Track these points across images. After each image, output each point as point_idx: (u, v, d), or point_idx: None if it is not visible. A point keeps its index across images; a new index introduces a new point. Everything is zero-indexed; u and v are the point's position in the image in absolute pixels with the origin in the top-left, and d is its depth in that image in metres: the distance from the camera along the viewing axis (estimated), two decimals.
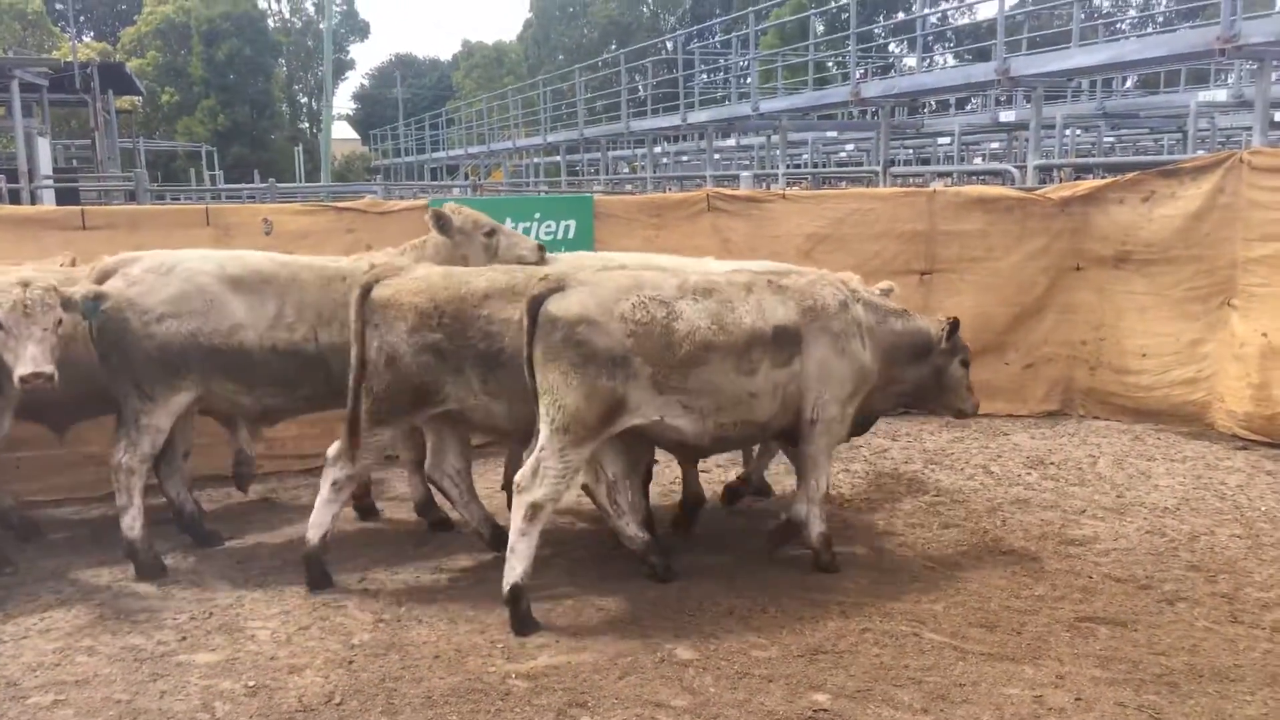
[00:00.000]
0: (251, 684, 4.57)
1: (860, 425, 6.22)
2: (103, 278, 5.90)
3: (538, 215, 8.72)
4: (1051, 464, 7.89)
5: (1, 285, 5.39)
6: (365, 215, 8.25)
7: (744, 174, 12.28)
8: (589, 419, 5.12)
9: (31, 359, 5.32)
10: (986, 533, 6.45)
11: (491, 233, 6.64)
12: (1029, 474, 7.69)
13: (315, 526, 5.64)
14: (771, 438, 6.13)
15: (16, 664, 4.77)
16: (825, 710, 4.29)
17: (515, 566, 5.09)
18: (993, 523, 6.63)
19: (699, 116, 20.60)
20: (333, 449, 5.64)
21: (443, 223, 6.58)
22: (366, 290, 5.51)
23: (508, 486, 6.30)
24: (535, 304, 5.18)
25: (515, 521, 5.11)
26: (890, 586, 5.59)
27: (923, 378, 6.14)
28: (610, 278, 5.37)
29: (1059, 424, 9.11)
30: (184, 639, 5.06)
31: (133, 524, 5.83)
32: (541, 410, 5.16)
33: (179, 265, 5.95)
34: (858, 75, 17.38)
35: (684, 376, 5.23)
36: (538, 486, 5.10)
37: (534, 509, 5.08)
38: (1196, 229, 8.62)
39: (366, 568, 5.94)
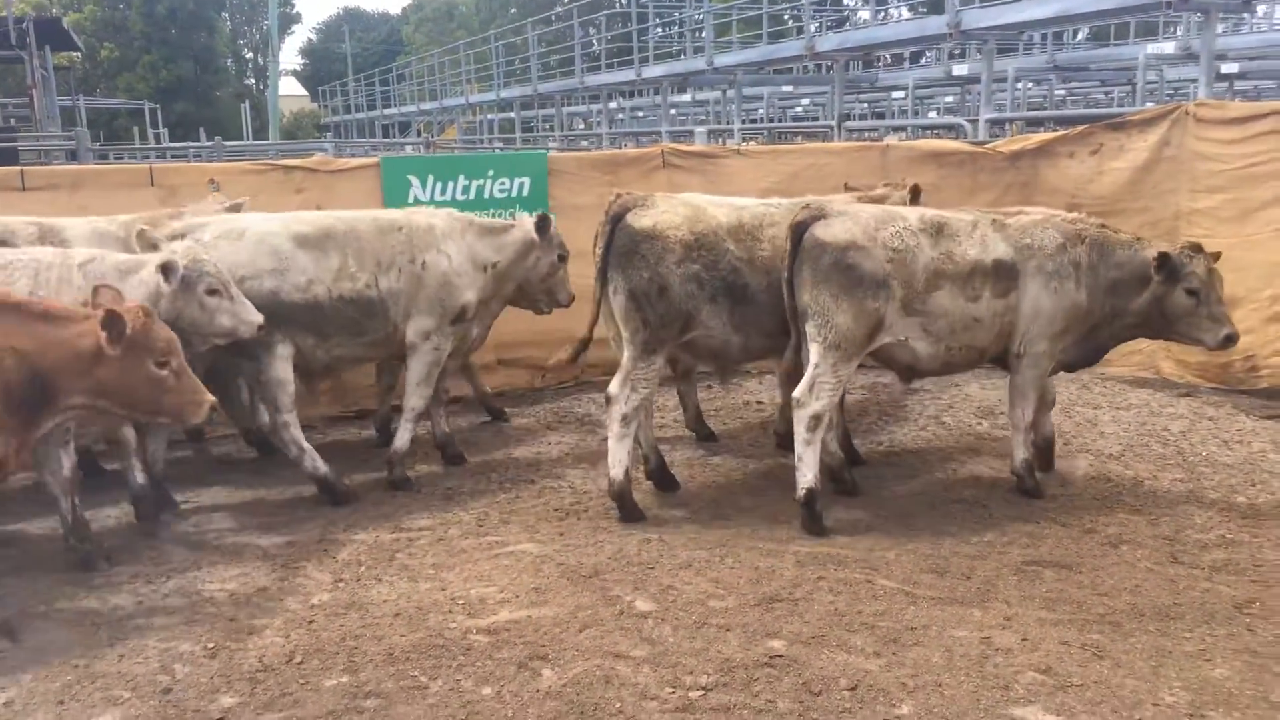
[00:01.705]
0: (211, 645, 4.57)
1: (1091, 356, 6.44)
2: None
3: (491, 173, 8.63)
4: (1002, 414, 8.00)
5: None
6: (315, 174, 8.13)
7: (698, 129, 12.23)
8: (857, 336, 5.69)
9: (253, 310, 5.74)
10: (939, 482, 6.59)
11: None
12: (980, 424, 7.84)
13: (616, 464, 5.91)
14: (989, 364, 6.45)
15: None
16: (781, 656, 4.39)
17: (806, 473, 5.68)
18: (945, 472, 6.76)
19: (653, 71, 20.43)
20: (614, 385, 5.92)
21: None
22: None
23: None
24: (800, 230, 5.67)
25: (799, 432, 5.70)
26: (844, 536, 5.70)
27: (1145, 309, 6.10)
28: (863, 208, 5.96)
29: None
30: (140, 603, 5.04)
31: (314, 464, 6.29)
32: (811, 330, 5.70)
33: (250, 228, 6.23)
34: (813, 29, 17.31)
35: (925, 300, 5.76)
36: (815, 400, 5.68)
37: (815, 420, 5.68)
38: (1144, 181, 8.76)
39: (325, 528, 5.93)
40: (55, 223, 6.39)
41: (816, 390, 5.70)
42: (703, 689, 4.15)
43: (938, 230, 5.87)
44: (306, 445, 6.30)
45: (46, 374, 4.62)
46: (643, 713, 3.99)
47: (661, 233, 5.85)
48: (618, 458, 5.91)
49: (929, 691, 4.11)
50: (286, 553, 5.61)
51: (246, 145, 26.73)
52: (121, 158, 19.81)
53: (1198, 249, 6.05)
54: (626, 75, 21.90)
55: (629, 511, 5.93)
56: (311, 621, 4.79)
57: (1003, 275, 5.89)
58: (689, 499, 6.35)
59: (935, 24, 12.84)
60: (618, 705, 4.04)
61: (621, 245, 5.87)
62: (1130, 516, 5.91)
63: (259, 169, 8.21)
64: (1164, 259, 5.93)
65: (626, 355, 5.95)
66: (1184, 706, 3.98)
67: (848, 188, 7.76)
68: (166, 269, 5.49)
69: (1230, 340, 6.07)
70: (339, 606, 4.94)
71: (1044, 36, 20.19)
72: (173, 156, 20.60)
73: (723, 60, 17.98)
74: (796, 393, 5.75)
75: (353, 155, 15.33)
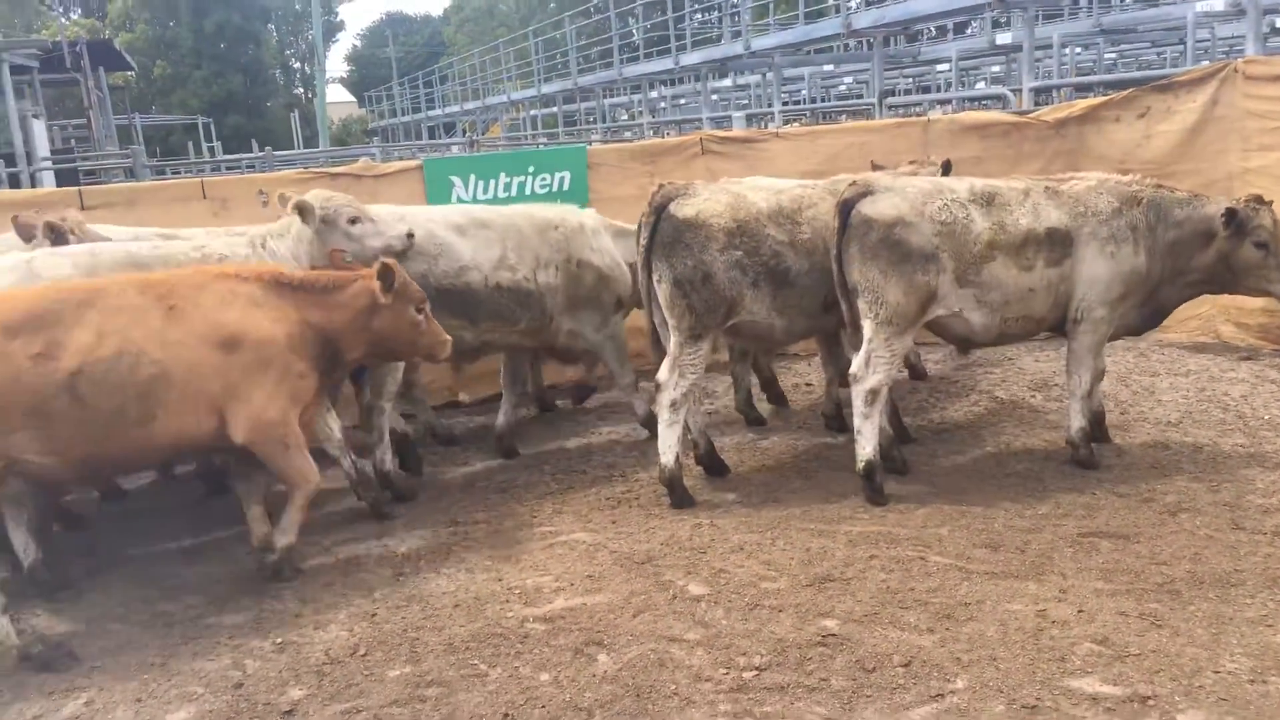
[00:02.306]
0: (279, 641, 4.72)
1: (1153, 318, 6.42)
2: None
3: (531, 169, 8.72)
4: (1054, 386, 7.93)
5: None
6: (360, 180, 8.27)
7: (737, 114, 12.20)
8: (909, 311, 5.74)
9: (398, 224, 6.35)
10: (991, 456, 6.54)
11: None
12: (1033, 397, 7.76)
13: (666, 450, 5.98)
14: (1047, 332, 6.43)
15: (52, 636, 4.93)
16: (834, 635, 4.42)
17: (865, 446, 5.78)
18: (997, 446, 6.71)
19: (691, 58, 20.38)
20: (662, 372, 6.01)
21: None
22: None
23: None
24: (847, 207, 5.73)
25: (858, 406, 5.78)
26: (896, 514, 5.69)
27: (1210, 265, 6.06)
28: (910, 182, 5.95)
29: (1061, 346, 9.08)
30: (212, 602, 5.22)
31: (383, 456, 6.48)
32: (863, 306, 5.76)
33: (408, 215, 6.64)
34: (850, 6, 17.12)
35: (978, 272, 5.76)
36: (872, 374, 5.74)
37: (872, 394, 5.75)
38: (1194, 143, 8.57)
39: (384, 525, 6.07)
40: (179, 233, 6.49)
41: (873, 365, 5.75)
42: (756, 669, 4.20)
43: (988, 200, 5.86)
44: (387, 439, 6.52)
45: (335, 337, 5.32)
46: (697, 694, 4.05)
47: (704, 221, 5.90)
48: (668, 444, 5.97)
49: (984, 665, 4.11)
50: (348, 549, 5.75)
51: (296, 154, 27.20)
52: (178, 172, 20.26)
53: (1261, 201, 5.94)
54: (665, 64, 21.87)
55: (680, 497, 5.99)
56: (374, 615, 4.92)
57: (1057, 243, 5.86)
58: (739, 483, 6.38)
59: None
60: (672, 687, 4.11)
61: (665, 235, 5.92)
62: (1189, 484, 5.82)
63: (305, 177, 8.35)
64: (1231, 213, 5.84)
65: (673, 342, 6.01)
66: (1245, 673, 3.93)
67: (874, 166, 7.73)
68: (301, 210, 6.03)
69: None
70: (400, 600, 5.07)
71: (1090, 1, 19.76)
72: (226, 169, 21.06)
73: (760, 44, 17.89)
74: (853, 368, 5.80)
75: (399, 158, 15.51)
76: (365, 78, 67.12)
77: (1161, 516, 5.43)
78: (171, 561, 5.77)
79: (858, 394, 5.77)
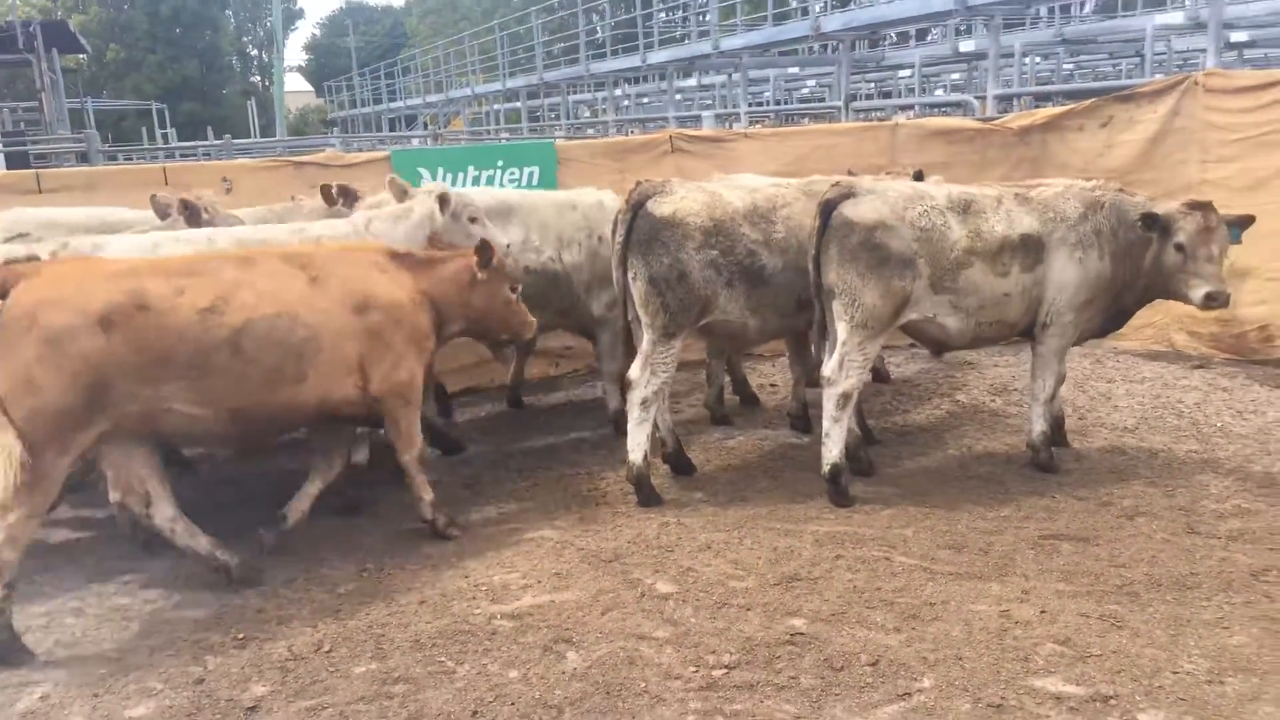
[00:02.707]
0: (240, 636, 4.65)
1: (1115, 321, 6.47)
2: None
3: (500, 163, 8.68)
4: (1015, 390, 8.06)
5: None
6: (327, 169, 8.19)
7: (706, 114, 12.23)
8: (884, 315, 5.76)
9: (500, 234, 6.57)
10: (954, 459, 6.62)
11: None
12: (994, 401, 7.86)
13: (635, 448, 5.97)
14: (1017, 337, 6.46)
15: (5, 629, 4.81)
16: (802, 634, 4.44)
17: (832, 449, 5.81)
18: (959, 449, 6.80)
19: (659, 57, 20.39)
20: (634, 370, 6.01)
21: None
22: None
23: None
24: (828, 208, 5.73)
25: (829, 409, 5.80)
26: (862, 514, 5.74)
27: (1149, 267, 6.07)
28: (891, 186, 5.96)
29: (1021, 352, 9.21)
30: (170, 596, 5.13)
31: None
32: (838, 308, 5.77)
33: None
34: (817, 9, 17.22)
35: (955, 278, 5.80)
36: (845, 378, 5.77)
37: (844, 398, 5.79)
38: (1154, 153, 8.75)
39: (347, 519, 6.00)
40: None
41: (845, 368, 5.79)
42: (726, 667, 4.21)
43: (965, 208, 5.91)
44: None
45: (441, 310, 5.66)
46: (667, 692, 4.05)
47: (682, 220, 5.90)
48: (636, 442, 5.97)
49: (949, 665, 4.16)
50: (310, 544, 5.67)
51: (254, 142, 26.83)
52: (130, 159, 19.86)
53: (1198, 206, 5.95)
54: (632, 61, 21.85)
55: (647, 496, 5.99)
56: (338, 611, 4.86)
57: (1030, 249, 5.94)
58: (706, 482, 6.39)
59: (941, 1, 12.78)
60: (642, 685, 4.11)
61: (642, 232, 5.91)
62: (1146, 489, 5.93)
63: (272, 165, 8.28)
64: (1147, 216, 5.91)
65: (646, 340, 6.00)
66: (1203, 674, 4.01)
67: (851, 175, 7.77)
68: (442, 199, 6.27)
69: (1211, 299, 5.85)
70: (365, 596, 5.01)
71: (1050, 10, 20.06)
72: (181, 156, 20.69)
73: (728, 44, 17.95)
74: (825, 371, 5.83)
75: (359, 149, 15.34)
76: (323, 67, 66.34)
77: (1119, 520, 5.53)
78: (127, 555, 5.66)
79: (829, 397, 5.80)
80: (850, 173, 7.65)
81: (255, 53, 64.66)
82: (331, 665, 4.38)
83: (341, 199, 6.78)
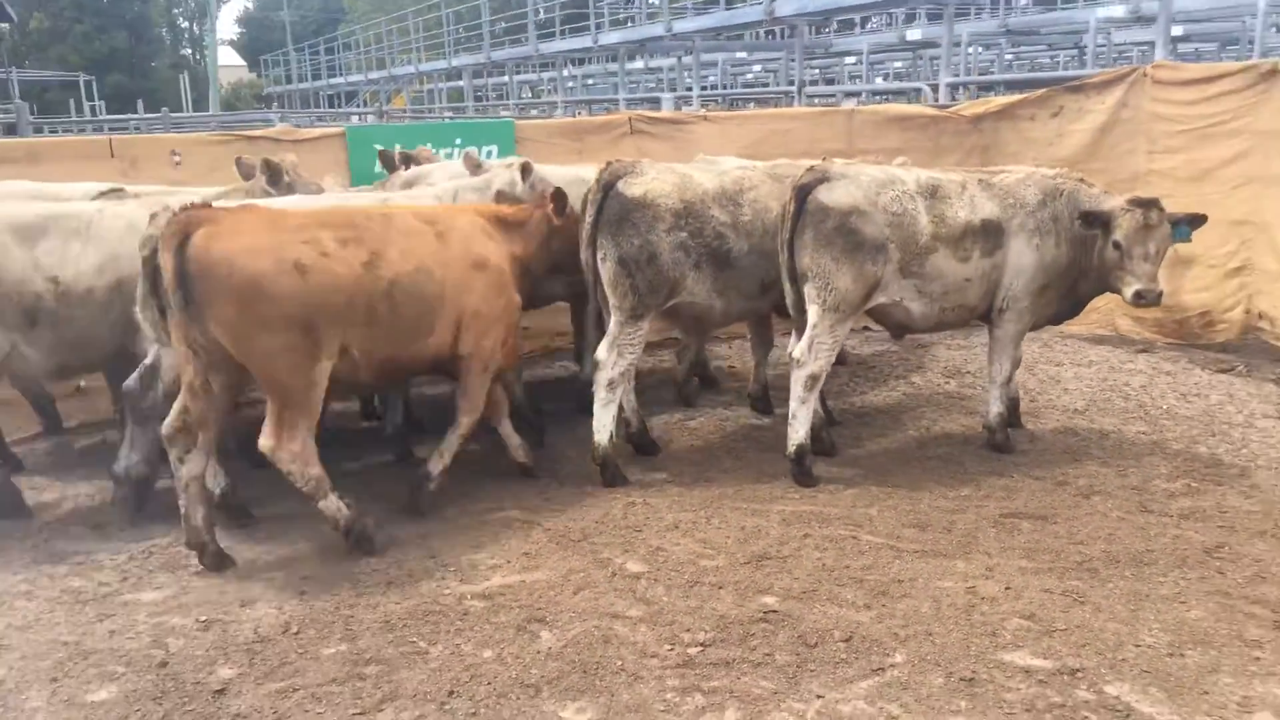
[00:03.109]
0: (204, 619, 4.55)
1: (1073, 309, 6.57)
2: None
3: (458, 141, 8.56)
4: (968, 373, 8.20)
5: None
6: (280, 144, 7.97)
7: (665, 95, 12.20)
8: (855, 299, 5.80)
9: None
10: (913, 440, 6.71)
11: None
12: (948, 383, 7.99)
13: (600, 429, 5.96)
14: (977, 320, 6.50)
15: None
16: (775, 611, 4.47)
17: (798, 429, 5.86)
18: (918, 430, 6.89)
19: (610, 38, 20.27)
20: (601, 350, 5.99)
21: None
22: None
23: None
24: (803, 193, 5.74)
25: (796, 391, 5.84)
26: (826, 494, 5.79)
27: (1096, 261, 6.13)
28: (864, 171, 5.97)
29: (972, 335, 9.39)
30: (125, 579, 4.99)
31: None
32: (811, 291, 5.79)
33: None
34: None
35: (921, 263, 5.87)
36: (814, 360, 5.81)
37: (812, 379, 5.84)
38: (1103, 143, 8.93)
39: (304, 501, 5.86)
40: None
41: (815, 350, 5.82)
42: (701, 645, 4.22)
43: (932, 193, 5.97)
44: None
45: (528, 263, 5.98)
46: (644, 670, 4.05)
47: (652, 201, 5.87)
48: (602, 422, 5.95)
49: (920, 640, 4.22)
50: (269, 526, 5.57)
51: (188, 117, 26.13)
52: (55, 131, 19.18)
53: (1142, 203, 5.98)
54: (583, 42, 21.69)
55: (612, 476, 5.98)
56: (303, 592, 4.78)
57: (991, 234, 6.02)
58: (670, 462, 6.40)
59: None
60: (619, 663, 4.10)
61: (613, 213, 5.87)
62: (1099, 469, 6.08)
63: (222, 139, 8.05)
64: (1086, 215, 6.01)
65: (613, 321, 5.97)
66: (1164, 647, 4.13)
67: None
68: (525, 169, 6.62)
69: (1140, 297, 5.93)
70: (329, 576, 4.93)
71: (993, 1, 20.37)
72: (111, 129, 20.07)
73: (680, 26, 17.90)
74: (795, 352, 5.87)
75: (297, 125, 14.97)
76: (256, 41, 64.73)
77: (1076, 499, 5.66)
78: (76, 537, 5.49)
79: (798, 379, 5.84)
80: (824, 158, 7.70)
81: (186, 25, 62.95)
82: (300, 647, 4.30)
83: (267, 174, 6.61)
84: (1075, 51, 22.74)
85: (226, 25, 75.11)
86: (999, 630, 4.28)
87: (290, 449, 4.94)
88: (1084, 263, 6.21)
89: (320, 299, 4.88)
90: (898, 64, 27.30)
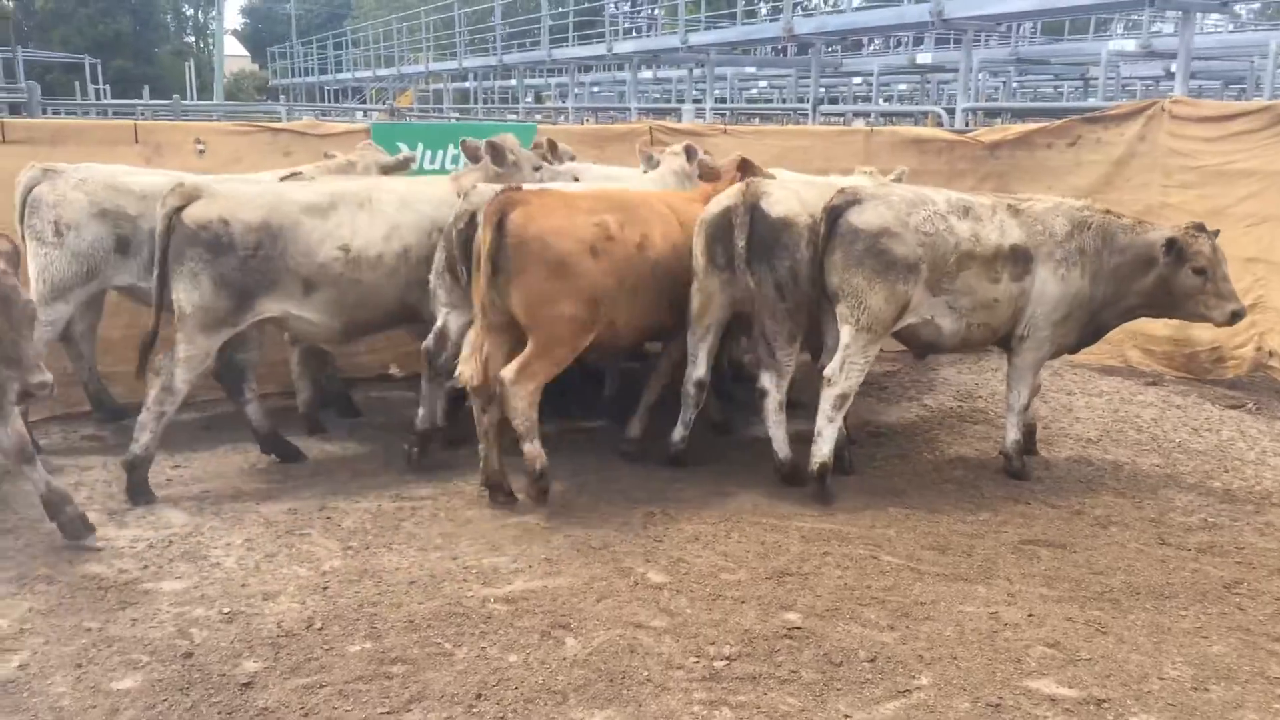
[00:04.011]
0: (227, 610, 4.53)
1: (1091, 338, 6.60)
2: None
3: None
4: (980, 397, 8.23)
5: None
6: (304, 138, 7.99)
7: (686, 106, 12.23)
8: (887, 319, 5.87)
9: None
10: (928, 462, 6.74)
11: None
12: (960, 405, 8.02)
13: (782, 444, 6.18)
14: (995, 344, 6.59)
15: None
16: (799, 628, 4.48)
17: (823, 447, 5.91)
18: (933, 453, 6.92)
19: (625, 46, 20.31)
20: (766, 380, 6.08)
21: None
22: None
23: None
24: (834, 215, 5.81)
25: (825, 409, 5.90)
26: (844, 513, 5.81)
27: (1150, 290, 6.22)
28: (895, 191, 6.09)
29: (983, 359, 9.47)
30: (146, 567, 4.97)
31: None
32: (844, 311, 5.86)
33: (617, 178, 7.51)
34: (790, 9, 17.30)
35: (952, 280, 5.91)
36: (844, 379, 5.88)
37: (842, 398, 5.91)
38: (1119, 175, 9.00)
39: (325, 496, 5.88)
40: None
41: (846, 370, 5.86)
42: (727, 659, 4.22)
43: (964, 212, 6.01)
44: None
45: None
46: (671, 681, 4.05)
47: (793, 220, 5.96)
48: (779, 439, 6.16)
49: (945, 664, 4.23)
50: (289, 520, 5.55)
51: (199, 105, 26.06)
52: (60, 113, 19.08)
53: (1201, 229, 6.17)
54: (597, 50, 21.71)
55: (800, 480, 6.10)
56: (326, 588, 4.77)
57: (1019, 260, 6.05)
58: (686, 474, 6.38)
59: (917, 11, 12.96)
60: (645, 674, 4.10)
61: (762, 234, 5.92)
62: (1115, 499, 6.11)
63: (245, 130, 8.04)
64: (1171, 243, 6.07)
65: (776, 349, 6.08)
66: (1188, 680, 4.15)
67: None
68: (689, 151, 7.11)
69: (1237, 316, 6.20)
70: (352, 574, 4.92)
71: (1005, 29, 20.50)
72: (115, 114, 20.02)
73: (697, 39, 17.96)
74: (826, 372, 5.91)
75: (298, 117, 14.92)
76: (260, 32, 64.57)
77: (1093, 529, 5.68)
78: (97, 524, 5.44)
79: (828, 397, 5.86)
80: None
81: (191, 12, 62.74)
82: (325, 643, 4.29)
83: (490, 154, 7.09)
84: (1080, 83, 22.94)
85: (231, 15, 74.98)
86: (1023, 657, 4.30)
87: (526, 389, 5.57)
88: (1109, 294, 6.26)
89: (607, 279, 5.69)
90: (903, 86, 27.43)
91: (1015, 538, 5.52)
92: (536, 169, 7.08)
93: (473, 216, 5.79)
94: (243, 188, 6.13)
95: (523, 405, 5.57)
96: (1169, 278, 6.14)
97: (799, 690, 4.02)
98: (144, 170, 6.89)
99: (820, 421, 5.90)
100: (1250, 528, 5.72)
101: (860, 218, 5.81)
